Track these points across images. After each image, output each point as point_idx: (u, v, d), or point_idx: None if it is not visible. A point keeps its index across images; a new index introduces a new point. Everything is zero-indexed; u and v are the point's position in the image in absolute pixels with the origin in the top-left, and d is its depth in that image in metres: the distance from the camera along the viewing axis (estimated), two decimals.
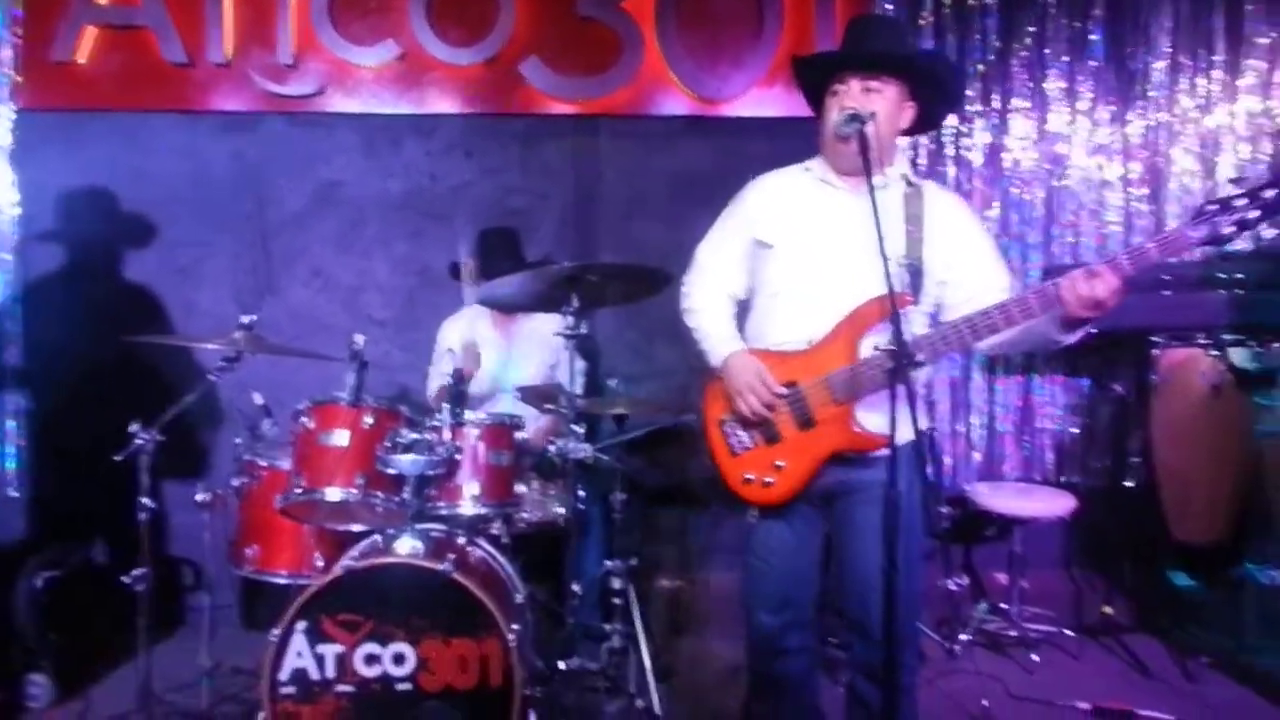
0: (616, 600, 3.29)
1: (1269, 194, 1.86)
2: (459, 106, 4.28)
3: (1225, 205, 1.89)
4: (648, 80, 4.27)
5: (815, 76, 2.39)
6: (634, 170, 4.36)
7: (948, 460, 4.51)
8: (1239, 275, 3.85)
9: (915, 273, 2.24)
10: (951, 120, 4.37)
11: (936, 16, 4.35)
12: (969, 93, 4.39)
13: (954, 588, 4.08)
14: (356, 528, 3.00)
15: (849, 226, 2.28)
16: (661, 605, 4.14)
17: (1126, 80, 4.41)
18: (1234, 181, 1.90)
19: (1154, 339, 4.00)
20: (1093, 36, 4.39)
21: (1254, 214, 1.87)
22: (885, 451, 2.18)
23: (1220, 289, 3.86)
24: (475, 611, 2.59)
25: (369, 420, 2.82)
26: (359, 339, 2.81)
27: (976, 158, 4.43)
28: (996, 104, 4.41)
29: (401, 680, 2.57)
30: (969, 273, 2.29)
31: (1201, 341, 3.85)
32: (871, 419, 2.23)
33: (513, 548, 3.14)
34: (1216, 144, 4.42)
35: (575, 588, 3.06)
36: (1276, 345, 3.73)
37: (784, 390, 2.27)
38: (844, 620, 2.44)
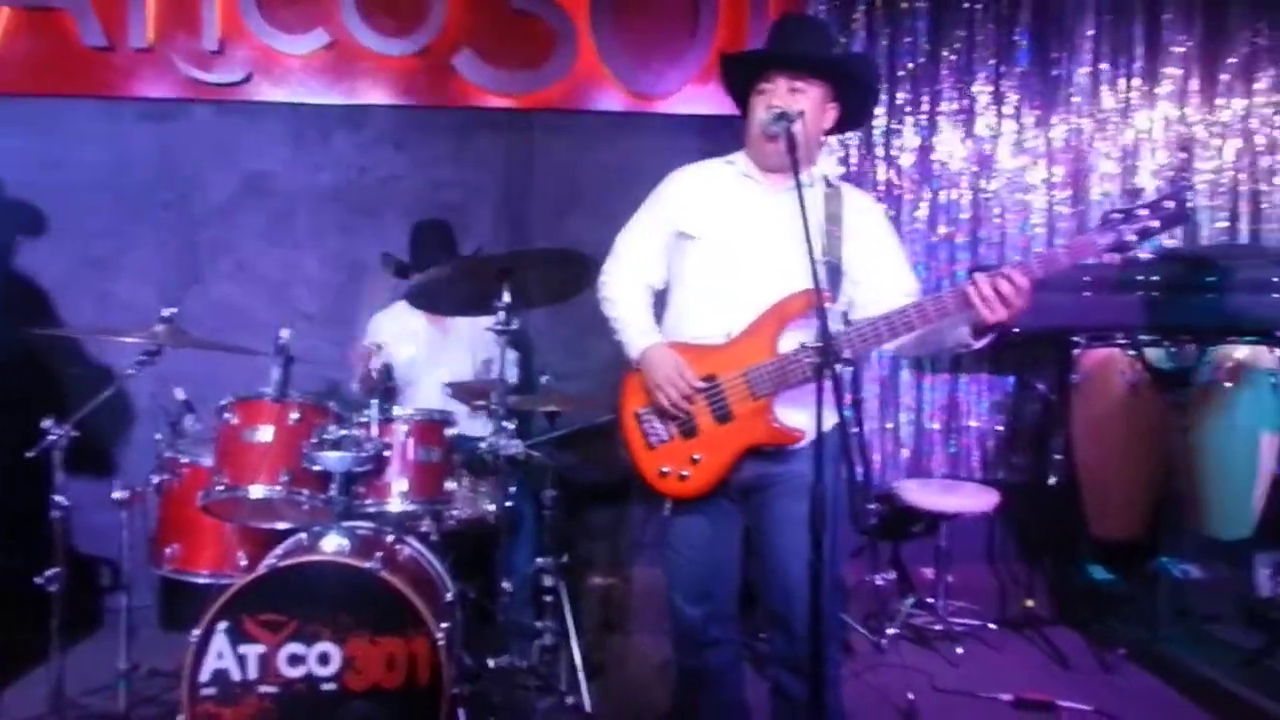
0: (548, 597, 3.29)
1: (1169, 205, 1.95)
2: (390, 98, 4.21)
3: (1129, 215, 1.98)
4: (582, 75, 4.26)
5: (743, 74, 2.42)
6: (568, 165, 4.34)
7: (876, 457, 4.57)
8: (1155, 278, 3.96)
9: (834, 271, 2.27)
10: (881, 121, 4.44)
11: (868, 18, 4.41)
12: (900, 94, 4.46)
13: (881, 583, 4.14)
14: (282, 526, 2.95)
15: (770, 223, 2.31)
16: (593, 602, 4.14)
17: (1051, 85, 4.52)
18: (1133, 192, 2.01)
19: (1075, 339, 4.09)
20: (1019, 42, 4.49)
21: (1154, 224, 1.96)
22: (803, 445, 2.23)
23: (1138, 291, 3.97)
24: (403, 610, 2.55)
25: (295, 416, 2.77)
26: (285, 333, 2.76)
27: (906, 159, 4.49)
28: (926, 106, 4.48)
29: (326, 680, 2.52)
30: (881, 275, 2.34)
31: (1120, 341, 3.96)
32: (790, 414, 2.25)
33: (442, 545, 3.11)
34: (1136, 149, 4.55)
35: (506, 585, 3.04)
36: (1190, 346, 3.86)
37: (702, 384, 2.28)
38: (765, 614, 2.45)
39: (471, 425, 3.47)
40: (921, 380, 4.59)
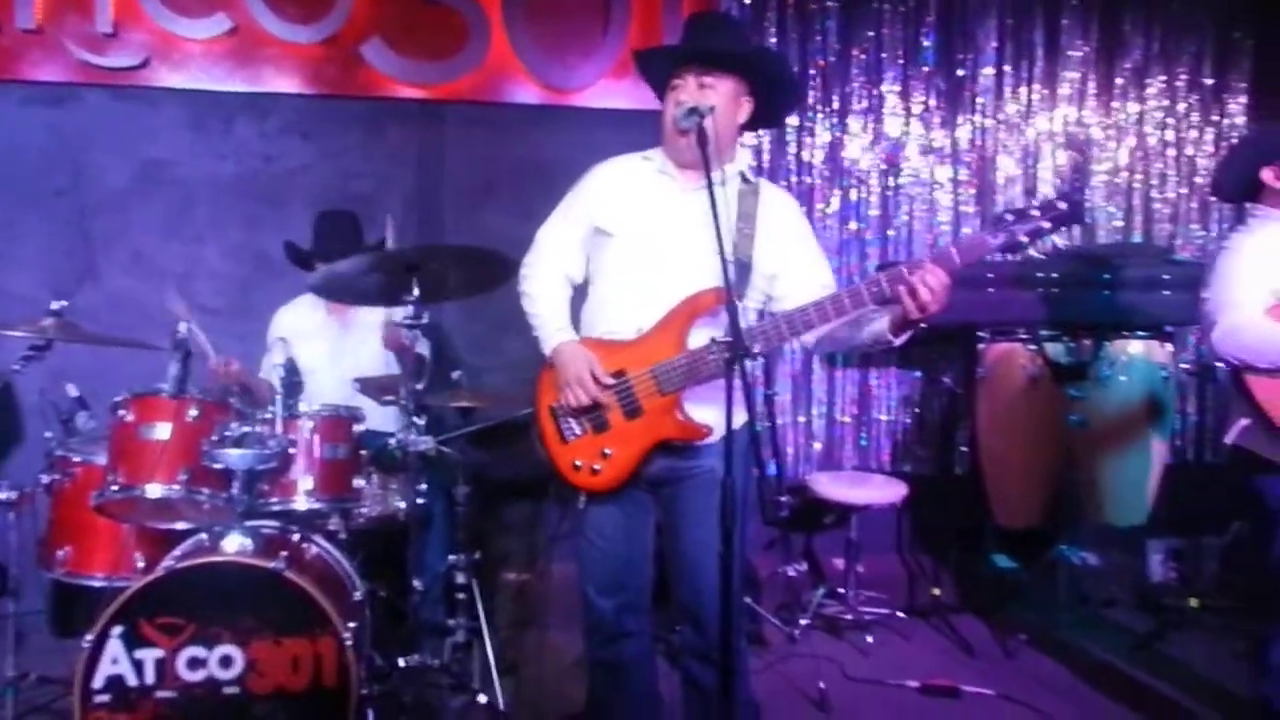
0: (460, 595, 3.25)
1: (1060, 206, 1.97)
2: (296, 86, 4.11)
3: (1021, 215, 1.99)
4: (495, 67, 4.21)
5: (656, 71, 2.41)
6: (482, 158, 4.29)
7: (790, 451, 4.64)
8: (1054, 275, 4.10)
9: (742, 269, 2.28)
10: (793, 119, 4.49)
11: (780, 16, 4.46)
12: (811, 92, 4.51)
13: (793, 574, 4.19)
14: (181, 526, 2.85)
15: (683, 220, 2.32)
16: (508, 598, 4.11)
17: (956, 86, 4.63)
18: (1028, 193, 2.02)
19: (980, 334, 4.20)
20: (925, 43, 4.59)
21: (1046, 225, 1.98)
22: (712, 440, 2.24)
23: (1038, 288, 4.10)
24: (308, 610, 2.49)
25: (193, 413, 2.68)
26: (183, 327, 2.68)
27: (817, 156, 4.56)
28: (836, 104, 4.56)
29: (228, 684, 2.45)
30: (797, 270, 2.35)
31: (1021, 336, 4.08)
32: (697, 409, 2.26)
33: (352, 543, 3.04)
34: (1037, 150, 4.69)
35: (417, 583, 3.00)
36: (1087, 340, 4.00)
37: (612, 381, 2.29)
38: (676, 606, 2.47)
39: (381, 421, 3.40)
40: (833, 375, 4.67)
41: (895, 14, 4.56)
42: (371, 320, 3.62)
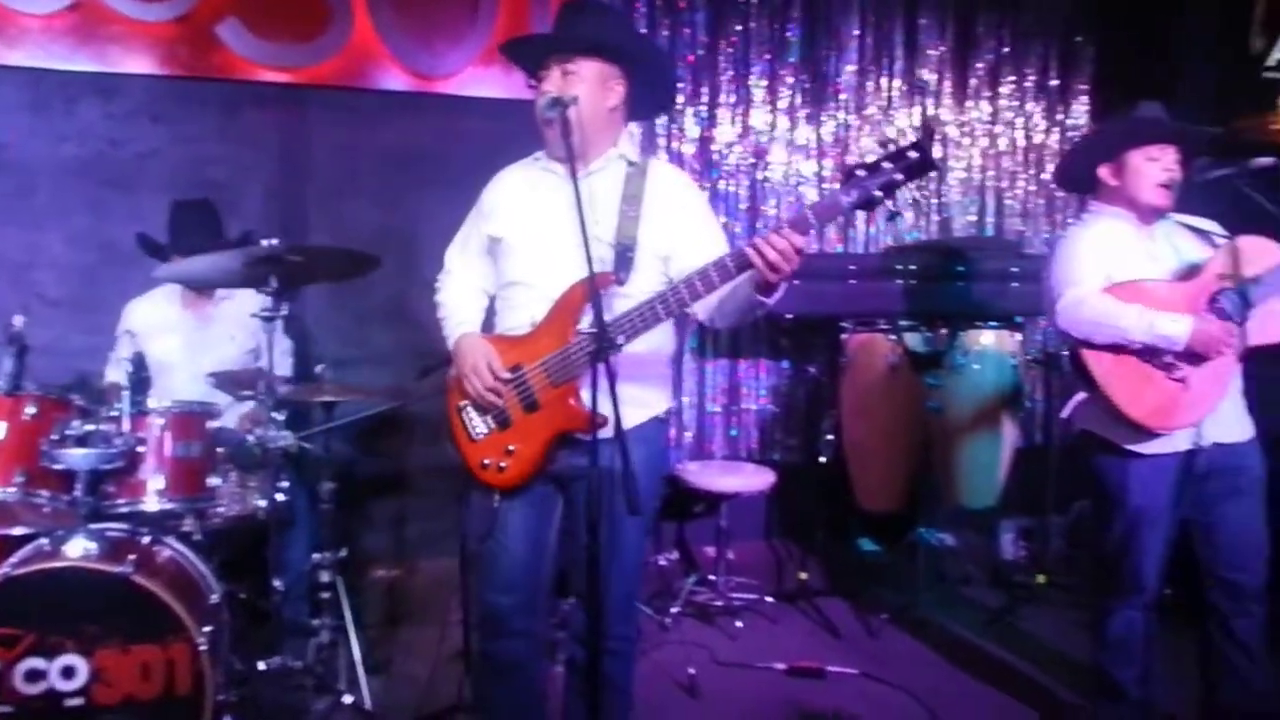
0: (325, 594, 3.17)
1: (912, 156, 1.89)
2: (146, 66, 3.91)
3: (873, 169, 1.93)
4: (359, 52, 4.10)
5: (524, 62, 2.40)
6: (346, 145, 4.17)
7: None
8: (913, 267, 4.25)
9: (624, 252, 2.28)
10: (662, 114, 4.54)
11: (649, 8, 4.48)
12: (681, 85, 4.55)
13: (664, 563, 4.25)
14: (19, 531, 2.68)
15: (566, 211, 2.29)
16: (377, 596, 4.03)
17: (820, 82, 4.74)
18: (882, 144, 1.89)
19: (843, 324, 4.31)
20: (791, 38, 4.69)
21: (899, 177, 1.90)
22: (611, 433, 2.24)
23: (898, 279, 4.24)
24: (159, 615, 2.41)
25: (30, 411, 2.54)
26: (18, 320, 2.53)
27: (687, 148, 4.61)
28: (705, 97, 4.61)
29: (71, 695, 2.34)
30: (690, 246, 2.32)
31: (882, 327, 4.21)
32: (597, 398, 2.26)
33: (208, 545, 2.92)
34: (941, 132, 4.85)
35: (278, 583, 2.90)
36: (943, 330, 4.16)
37: (508, 374, 2.28)
38: (575, 595, 2.47)
39: (238, 417, 3.29)
40: (703, 365, 4.74)
41: (762, 9, 4.64)
42: (234, 314, 3.49)
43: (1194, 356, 2.53)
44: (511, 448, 2.29)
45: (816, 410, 4.74)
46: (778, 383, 4.82)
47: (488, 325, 2.48)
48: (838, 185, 2.01)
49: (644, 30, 4.47)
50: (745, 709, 3.29)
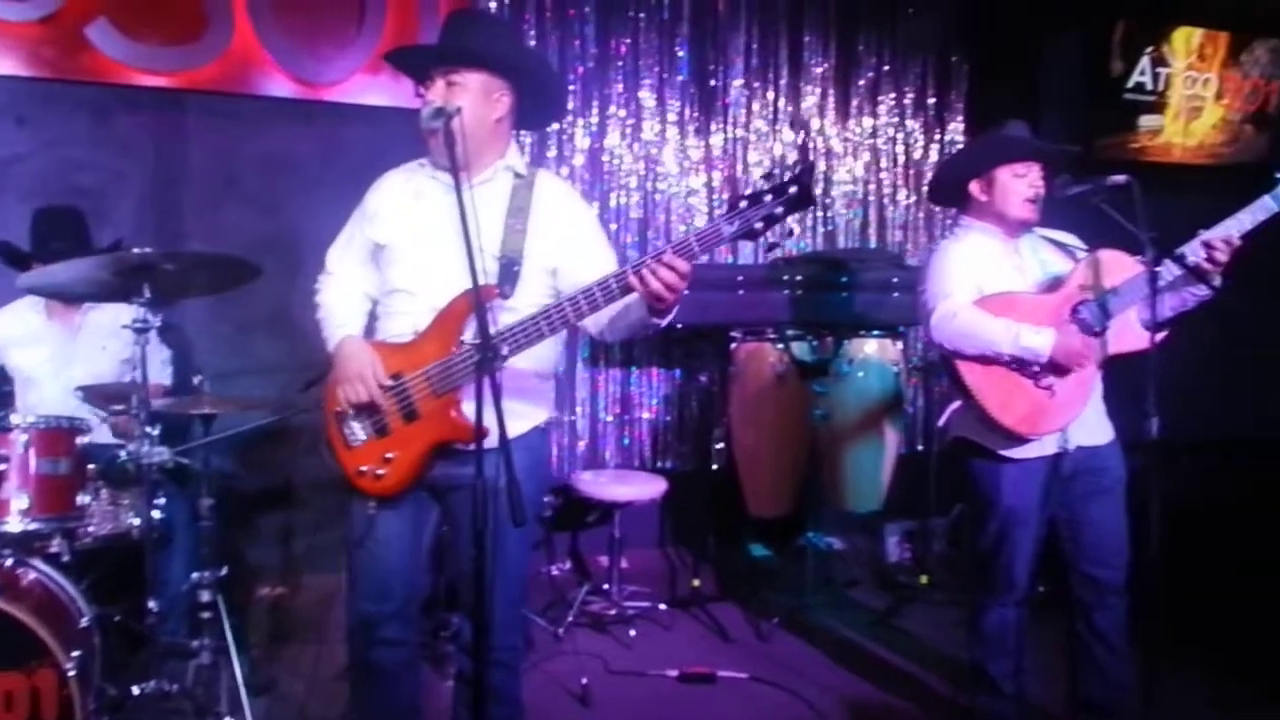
0: (205, 613, 3.06)
1: (792, 191, 1.97)
2: (9, 68, 3.73)
3: (754, 201, 1.99)
4: (240, 57, 3.99)
5: (410, 72, 2.39)
6: (226, 152, 4.05)
7: (554, 451, 4.68)
8: (799, 277, 4.35)
9: (509, 266, 2.28)
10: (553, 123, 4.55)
11: (538, 19, 4.49)
12: (571, 96, 4.57)
13: (557, 573, 4.24)
14: None
15: (452, 221, 2.29)
16: (261, 614, 3.92)
17: (709, 96, 4.82)
18: (765, 178, 1.97)
19: (732, 334, 4.40)
20: (680, 53, 4.75)
21: (779, 210, 1.98)
22: (492, 443, 2.23)
23: (784, 289, 4.34)
24: (24, 641, 2.31)
25: None
26: None
27: (578, 159, 4.63)
28: (596, 109, 4.64)
29: None
30: (577, 259, 2.34)
31: (770, 336, 4.30)
32: (474, 411, 2.25)
33: (78, 566, 2.80)
34: (784, 160, 4.96)
35: (152, 604, 2.79)
36: (829, 339, 4.27)
37: (389, 381, 2.26)
38: (461, 606, 2.47)
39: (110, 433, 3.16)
40: (596, 375, 4.75)
41: (650, 23, 4.69)
42: (104, 324, 3.35)
43: (1057, 368, 2.66)
44: (390, 455, 2.27)
45: (707, 418, 4.81)
46: (669, 392, 4.87)
47: (369, 331, 2.45)
48: (724, 204, 2.06)
49: (533, 41, 4.48)
50: (637, 716, 3.32)
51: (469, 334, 2.21)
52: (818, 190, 5.05)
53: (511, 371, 2.20)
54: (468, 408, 2.21)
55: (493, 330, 2.10)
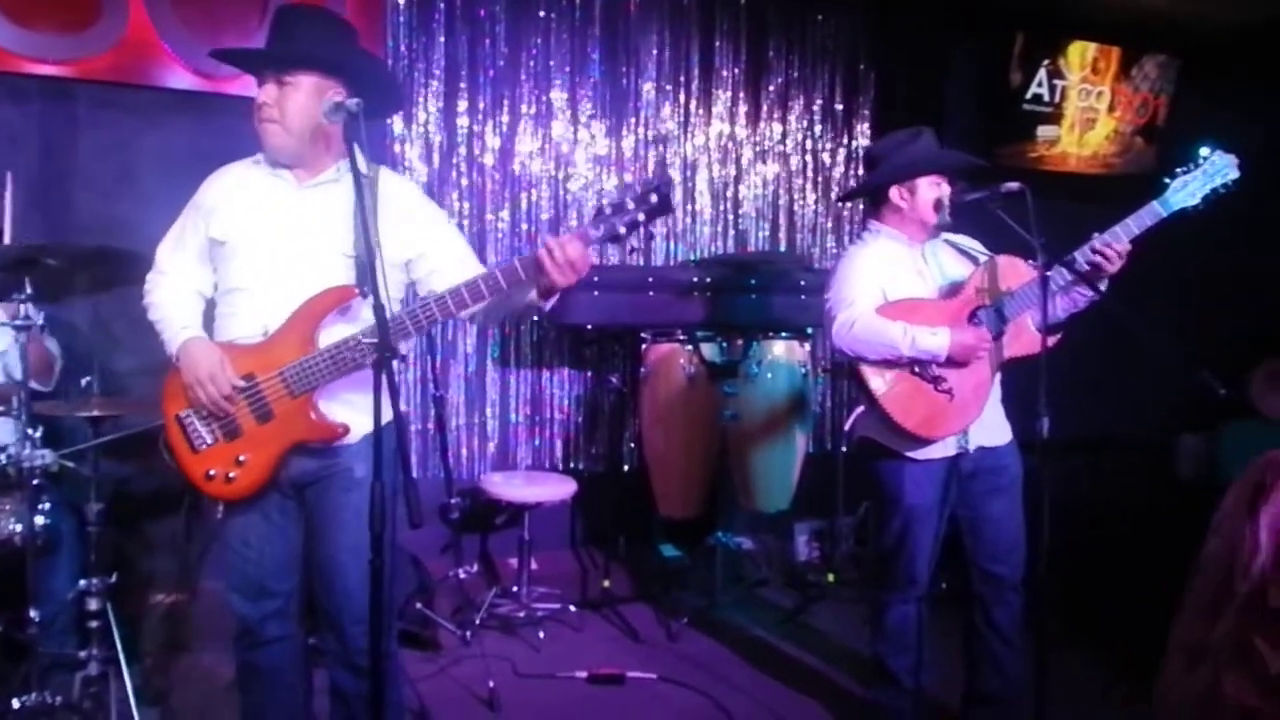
0: (93, 622, 2.95)
1: (652, 199, 2.06)
2: None
3: (618, 207, 2.08)
4: (135, 47, 3.85)
5: (247, 70, 2.40)
6: (119, 145, 3.89)
7: (464, 452, 4.64)
8: (709, 280, 4.38)
9: (364, 264, 2.25)
10: (465, 121, 4.50)
11: (448, 19, 4.44)
12: (482, 100, 4.54)
13: (464, 576, 4.19)
14: None
15: (299, 218, 2.29)
16: (156, 622, 3.78)
17: (620, 97, 4.83)
18: (625, 188, 2.06)
19: (643, 335, 4.41)
20: (592, 55, 4.75)
21: (641, 216, 2.07)
22: (352, 440, 2.22)
23: (694, 292, 4.36)
24: None
25: None
26: None
27: (489, 159, 4.59)
28: (506, 109, 4.60)
29: None
30: (430, 249, 2.35)
31: (680, 338, 4.33)
32: (333, 409, 2.24)
33: None
34: (694, 162, 5.00)
35: (34, 614, 2.68)
36: (738, 341, 4.31)
37: (241, 383, 2.21)
38: (318, 611, 2.41)
39: None
40: (506, 375, 4.71)
41: (562, 23, 4.68)
42: None
43: (956, 364, 2.73)
44: (242, 458, 2.24)
45: (619, 420, 4.81)
46: (581, 393, 4.86)
47: (207, 333, 2.37)
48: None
49: (443, 38, 4.43)
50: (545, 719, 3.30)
51: (327, 336, 2.20)
52: (729, 192, 5.11)
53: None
54: (325, 407, 2.22)
55: (356, 329, 2.16)
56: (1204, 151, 2.71)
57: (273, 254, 2.26)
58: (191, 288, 2.40)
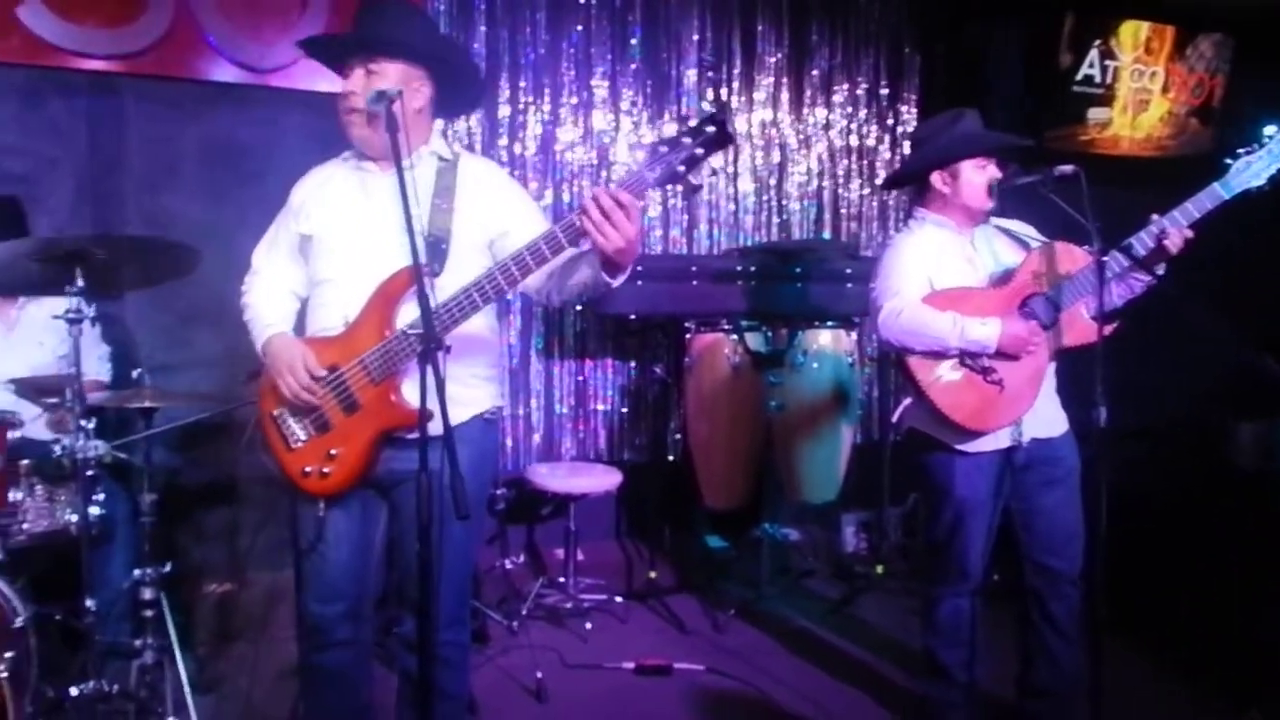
0: (148, 612, 2.98)
1: (709, 130, 1.96)
2: None
3: (674, 144, 1.97)
4: (180, 41, 3.87)
5: (327, 59, 2.38)
6: (165, 138, 3.93)
7: (509, 443, 4.64)
8: (753, 268, 4.34)
9: (437, 244, 2.25)
10: (505, 110, 4.49)
11: (489, 6, 4.43)
12: (523, 83, 4.52)
13: (511, 566, 4.20)
14: None
15: (379, 208, 2.27)
16: (207, 612, 3.83)
17: (661, 84, 4.79)
18: (681, 121, 1.98)
19: (687, 325, 4.37)
20: (633, 41, 4.71)
21: (700, 150, 1.95)
22: (437, 435, 2.19)
23: (738, 280, 4.32)
24: None
25: None
26: None
27: (530, 147, 4.57)
28: (548, 97, 4.58)
29: None
30: (513, 226, 2.31)
31: (725, 327, 4.29)
32: (416, 395, 2.19)
33: (12, 564, 2.72)
34: (737, 149, 4.95)
35: (90, 603, 2.71)
36: (783, 330, 4.27)
37: (324, 373, 2.21)
38: (404, 601, 2.41)
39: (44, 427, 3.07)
40: (550, 367, 4.71)
41: (603, 10, 4.64)
42: (41, 318, 3.25)
43: (1007, 355, 2.66)
44: (334, 452, 2.22)
45: (663, 410, 4.79)
46: (625, 383, 4.84)
47: (300, 330, 2.40)
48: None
49: (484, 26, 4.42)
50: (592, 710, 3.29)
51: (404, 318, 2.17)
52: (772, 179, 5.05)
53: (452, 359, 2.15)
54: (407, 391, 2.19)
55: (436, 306, 2.07)
56: (1269, 130, 2.62)
57: (356, 244, 2.27)
58: (284, 287, 2.42)
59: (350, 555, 2.34)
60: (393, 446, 2.24)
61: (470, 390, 2.32)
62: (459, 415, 2.22)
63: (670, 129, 4.81)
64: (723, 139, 1.97)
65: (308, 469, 2.24)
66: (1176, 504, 4.48)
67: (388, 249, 2.21)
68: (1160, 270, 2.66)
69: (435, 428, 1.84)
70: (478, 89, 2.76)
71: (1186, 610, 3.84)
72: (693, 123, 1.98)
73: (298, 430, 2.26)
